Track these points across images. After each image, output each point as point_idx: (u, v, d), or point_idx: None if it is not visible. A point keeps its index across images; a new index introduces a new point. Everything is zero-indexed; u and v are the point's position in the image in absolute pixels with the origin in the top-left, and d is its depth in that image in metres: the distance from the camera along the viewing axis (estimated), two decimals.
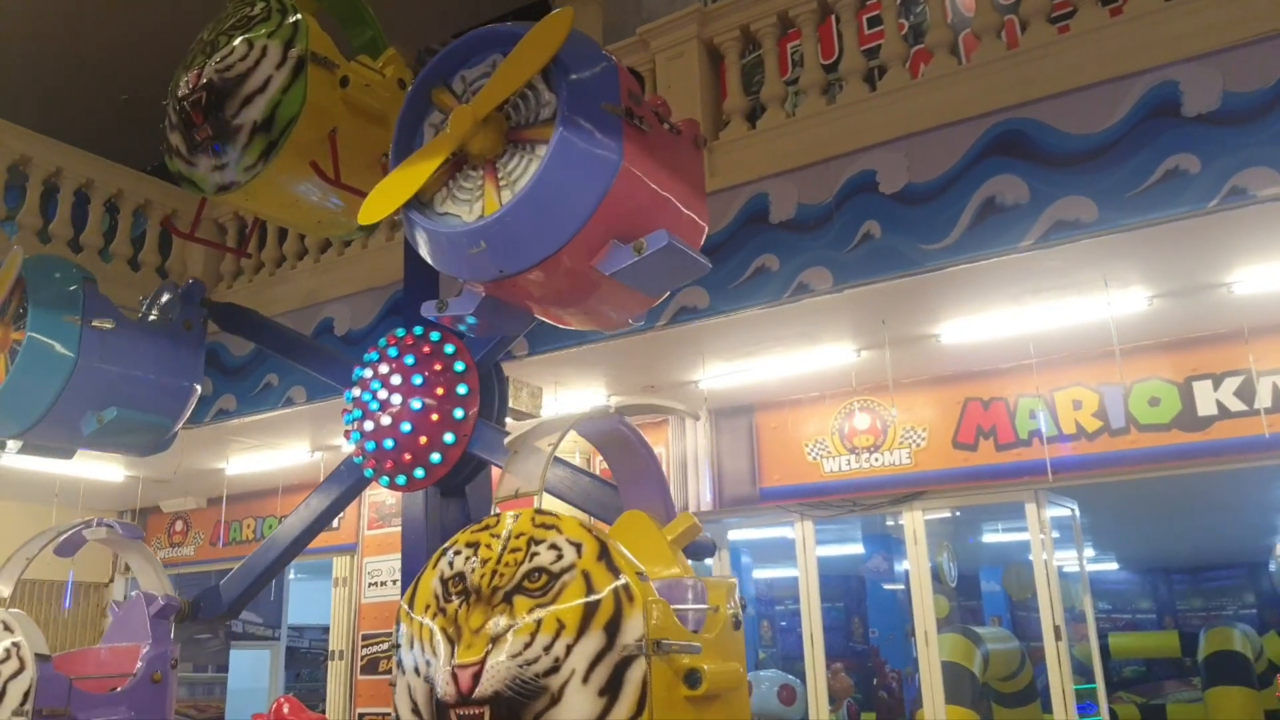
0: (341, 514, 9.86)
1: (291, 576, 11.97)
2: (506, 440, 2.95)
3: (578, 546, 2.32)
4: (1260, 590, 17.91)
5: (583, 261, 2.84)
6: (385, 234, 7.68)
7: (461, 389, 4.32)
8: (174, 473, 9.26)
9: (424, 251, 3.08)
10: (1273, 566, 16.43)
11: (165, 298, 4.61)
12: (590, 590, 2.26)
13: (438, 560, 2.51)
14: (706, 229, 3.14)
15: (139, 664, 4.24)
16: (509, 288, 3.01)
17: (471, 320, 3.18)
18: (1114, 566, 17.16)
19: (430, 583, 2.48)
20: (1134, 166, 4.87)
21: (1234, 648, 10.44)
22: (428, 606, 2.47)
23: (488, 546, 2.41)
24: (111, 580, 11.29)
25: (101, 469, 9.37)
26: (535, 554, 2.34)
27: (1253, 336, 6.16)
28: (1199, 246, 5.22)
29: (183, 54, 4.19)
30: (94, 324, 4.10)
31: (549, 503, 2.76)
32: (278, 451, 9.10)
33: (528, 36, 2.82)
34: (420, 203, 2.98)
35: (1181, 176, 4.77)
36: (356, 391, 4.50)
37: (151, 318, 4.55)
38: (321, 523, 4.71)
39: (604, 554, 2.29)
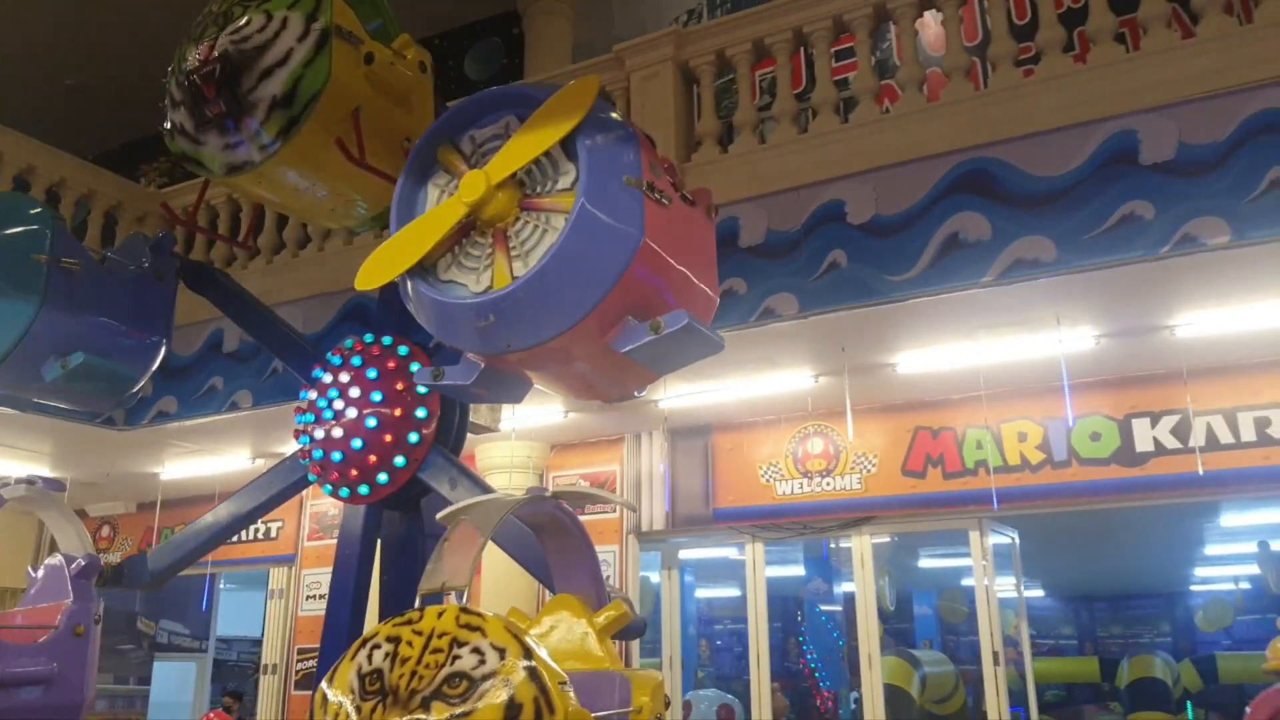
0: (281, 524, 9.69)
1: (222, 587, 11.65)
2: (439, 515, 2.78)
3: (501, 652, 2.24)
4: (1175, 620, 18.54)
5: (595, 338, 2.75)
6: (343, 238, 7.59)
7: (420, 412, 4.27)
8: (106, 475, 8.97)
9: (423, 319, 2.95)
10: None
11: (134, 246, 4.42)
12: (511, 700, 2.19)
13: (356, 651, 2.40)
14: (717, 302, 3.09)
15: (60, 617, 4.19)
16: (512, 359, 2.90)
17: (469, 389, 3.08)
18: (1039, 593, 17.59)
19: (348, 675, 2.36)
20: (1092, 210, 5.05)
21: (1155, 674, 10.82)
22: (341, 705, 2.33)
23: (409, 644, 2.31)
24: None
25: (27, 469, 9.05)
26: (457, 657, 2.24)
27: (1191, 378, 6.42)
28: (1147, 290, 5.43)
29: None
30: (62, 263, 3.87)
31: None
32: (217, 457, 8.89)
33: (550, 102, 2.73)
34: (422, 267, 2.84)
35: (1137, 222, 4.96)
36: (313, 394, 4.43)
37: (124, 265, 4.25)
38: (259, 512, 4.59)
39: (528, 662, 2.24)
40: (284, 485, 4.64)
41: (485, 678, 2.20)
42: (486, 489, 4.05)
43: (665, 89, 6.42)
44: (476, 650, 2.23)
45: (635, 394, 3.21)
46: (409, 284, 2.86)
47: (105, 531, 10.77)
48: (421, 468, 4.20)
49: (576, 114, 2.67)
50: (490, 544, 2.98)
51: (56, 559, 4.38)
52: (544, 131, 2.70)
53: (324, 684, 2.34)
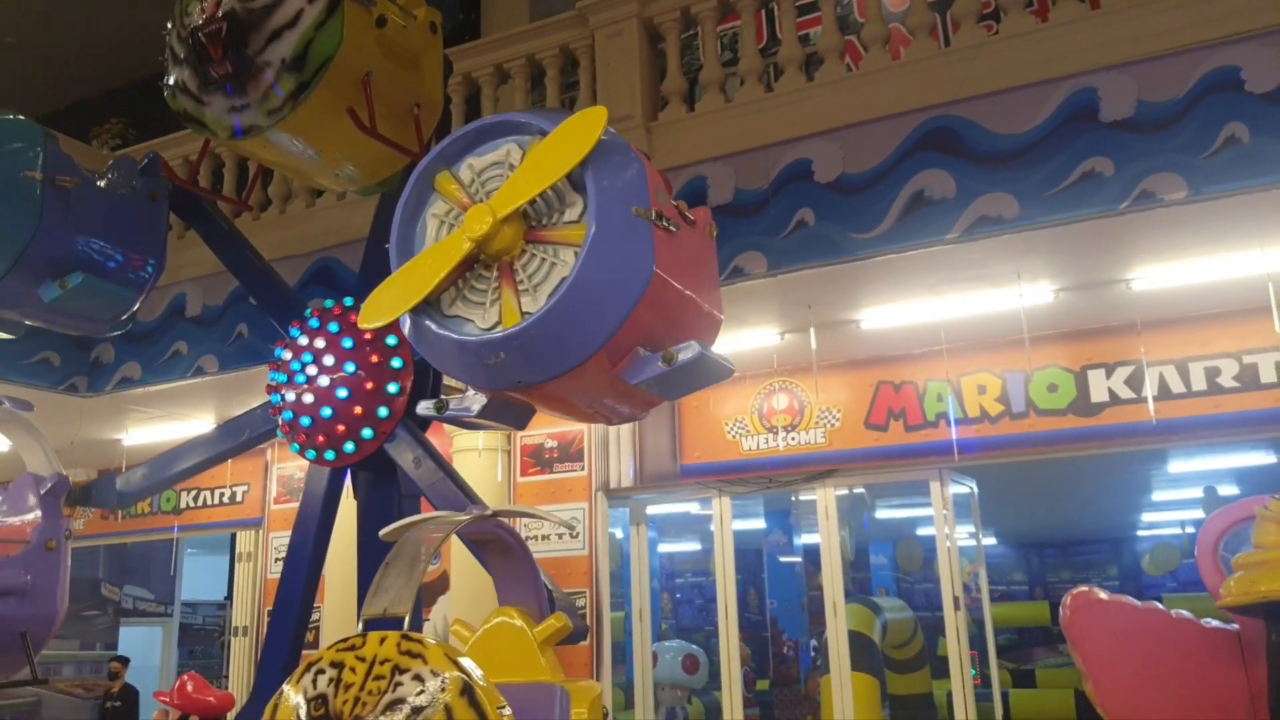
0: (247, 488, 9.64)
1: (187, 551, 11.60)
2: (383, 532, 2.81)
3: (442, 679, 2.29)
4: (1123, 564, 19.16)
5: (605, 369, 2.73)
6: (305, 200, 7.50)
7: (392, 387, 4.28)
8: (69, 443, 8.85)
9: (429, 355, 2.89)
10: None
11: (124, 168, 4.29)
12: None
13: (301, 675, 2.44)
14: (722, 321, 3.10)
15: (32, 533, 4.24)
16: (520, 391, 2.86)
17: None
18: (992, 541, 18.07)
19: (293, 701, 2.40)
20: (1054, 167, 5.16)
21: None
22: None
23: (352, 670, 2.37)
24: None
25: None
26: (399, 684, 2.30)
27: (1145, 330, 6.61)
28: (1106, 244, 5.57)
29: None
30: (57, 181, 3.81)
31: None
32: (181, 423, 8.80)
33: (557, 134, 2.65)
34: (426, 302, 2.78)
35: (1096, 179, 5.08)
36: (288, 355, 4.42)
37: (117, 185, 4.19)
38: (227, 455, 4.72)
39: (467, 689, 2.29)
40: (254, 434, 4.67)
41: (425, 706, 2.27)
42: (450, 473, 4.10)
43: (630, 47, 6.39)
44: (418, 677, 2.29)
45: (640, 417, 3.22)
46: (414, 320, 2.80)
47: None
48: (389, 440, 4.24)
49: (584, 147, 2.60)
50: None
51: (25, 478, 4.41)
52: (551, 164, 2.62)
53: (269, 710, 2.41)
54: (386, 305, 2.80)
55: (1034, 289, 6.14)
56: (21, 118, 4.00)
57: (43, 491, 4.42)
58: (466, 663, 2.31)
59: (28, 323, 4.19)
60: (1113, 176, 5.04)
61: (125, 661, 10.03)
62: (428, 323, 2.77)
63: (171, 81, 3.81)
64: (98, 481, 4.60)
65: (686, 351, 2.71)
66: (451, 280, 2.76)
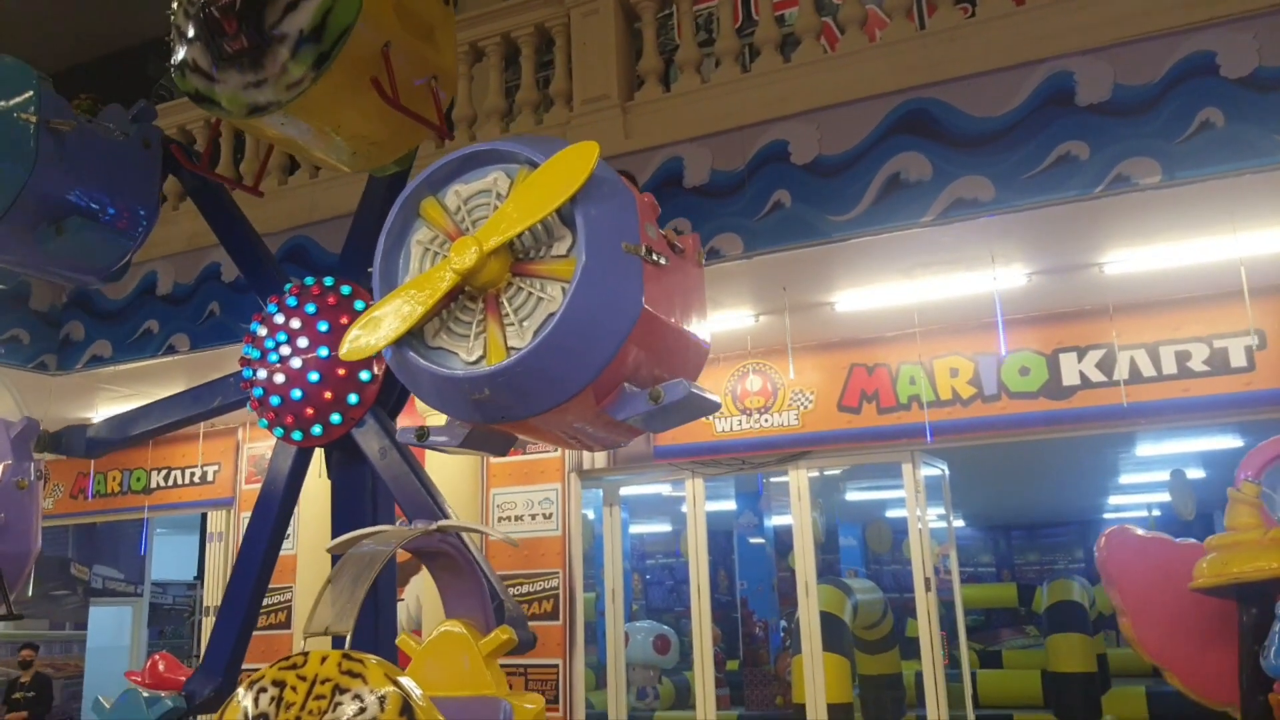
0: (218, 468, 9.53)
1: (157, 531, 11.48)
2: (328, 546, 2.85)
3: (381, 700, 2.32)
4: (1089, 546, 19.41)
5: (591, 405, 2.71)
6: (278, 178, 7.41)
7: (365, 375, 4.23)
8: (39, 422, 8.73)
9: (413, 387, 2.86)
10: None
11: (115, 115, 4.22)
12: None
13: (244, 692, 2.47)
14: (709, 349, 3.07)
15: (3, 473, 4.32)
16: (503, 423, 2.85)
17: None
18: (960, 524, 18.27)
19: (235, 718, 2.41)
20: (1030, 150, 5.18)
21: (1073, 598, 11.34)
22: None
23: (293, 689, 2.39)
24: None
25: None
26: (339, 703, 2.33)
27: (1116, 313, 6.67)
28: (1080, 228, 5.60)
29: None
30: (52, 124, 3.71)
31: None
32: (152, 401, 8.69)
33: (547, 168, 2.60)
34: (410, 332, 2.74)
35: (1072, 162, 5.10)
36: (263, 331, 4.37)
37: (111, 131, 4.10)
38: (197, 419, 4.70)
39: (406, 709, 2.32)
40: (225, 402, 4.64)
41: None
42: (414, 467, 4.07)
43: (606, 25, 6.34)
44: (358, 697, 2.33)
45: (622, 444, 3.25)
46: (396, 351, 2.76)
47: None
48: (357, 426, 4.21)
49: (574, 183, 2.55)
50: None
51: None
52: (540, 199, 2.56)
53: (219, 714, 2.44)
54: (372, 339, 2.76)
55: (1008, 272, 6.17)
56: (14, 60, 3.87)
57: (12, 435, 4.42)
58: (406, 682, 2.33)
59: (18, 271, 4.09)
60: (1088, 160, 5.07)
61: (36, 648, 9.76)
62: (410, 354, 2.73)
63: (180, 60, 3.66)
64: (68, 429, 4.57)
65: (675, 390, 2.68)
66: (436, 311, 2.72)
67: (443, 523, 3.11)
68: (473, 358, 2.70)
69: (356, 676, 2.37)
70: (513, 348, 2.63)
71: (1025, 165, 5.18)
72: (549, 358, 2.57)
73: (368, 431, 4.19)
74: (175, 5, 3.69)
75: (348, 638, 2.65)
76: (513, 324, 2.66)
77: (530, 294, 2.66)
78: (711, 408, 2.91)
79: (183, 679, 7.69)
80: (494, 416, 2.77)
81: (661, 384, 2.69)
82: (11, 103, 3.70)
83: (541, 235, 2.68)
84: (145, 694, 4.08)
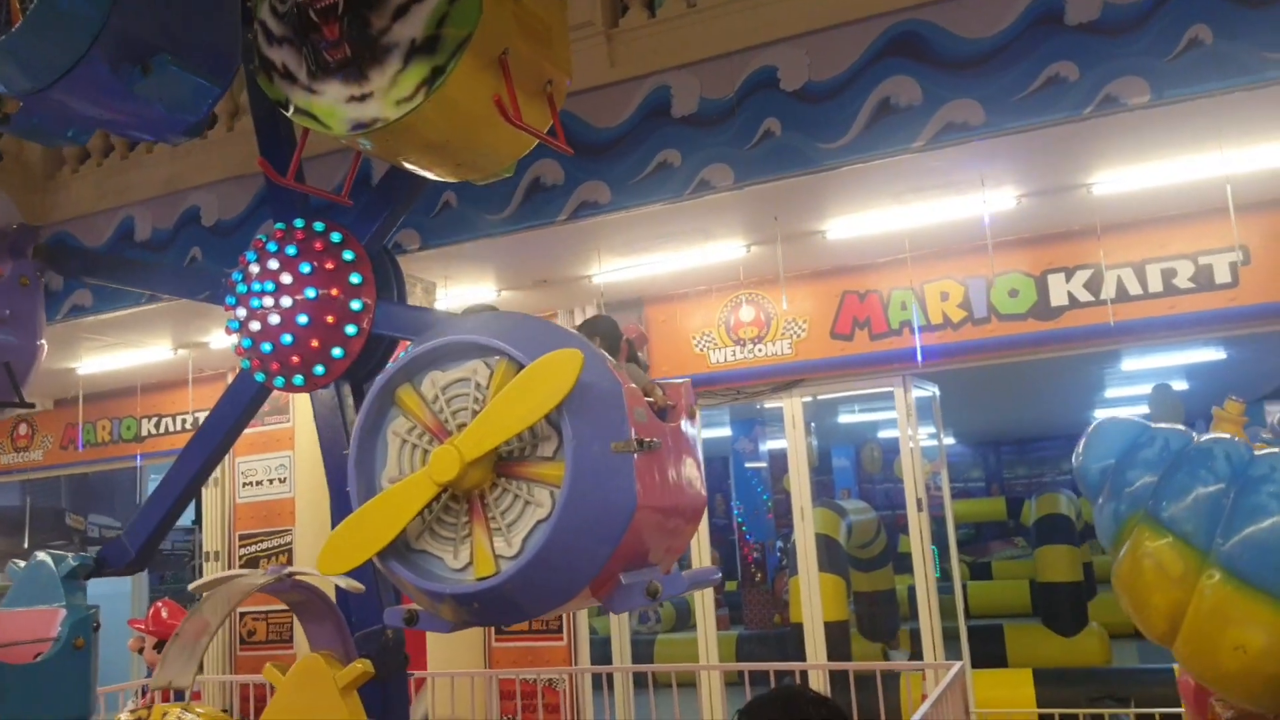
0: (208, 414, 9.55)
1: (150, 478, 11.53)
2: (190, 586, 2.91)
3: None
4: None
5: (587, 598, 2.66)
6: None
7: (355, 278, 4.19)
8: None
9: (399, 586, 2.76)
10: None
11: None
12: None
13: None
14: (706, 500, 3.02)
15: (4, 271, 4.40)
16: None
17: None
18: (950, 441, 18.56)
19: None
20: (1019, 72, 5.14)
21: (1060, 511, 11.60)
22: None
23: None
24: None
25: None
26: None
27: (1104, 233, 6.68)
28: (1068, 149, 5.58)
29: None
30: None
31: None
32: (136, 350, 8.65)
33: (529, 374, 2.47)
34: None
35: (1061, 83, 5.06)
36: (240, 292, 4.32)
37: None
38: (225, 447, 4.57)
39: None
40: (241, 408, 4.56)
41: None
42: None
43: None
44: None
45: None
46: (381, 560, 2.67)
47: (23, 430, 10.48)
48: (375, 324, 4.15)
49: (559, 392, 2.44)
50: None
51: None
52: (523, 408, 2.46)
53: None
54: (348, 551, 2.64)
55: (997, 195, 6.16)
56: None
57: (9, 240, 4.47)
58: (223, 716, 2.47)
59: (101, 123, 3.78)
60: (1077, 81, 5.03)
61: None
62: (398, 565, 2.63)
63: (267, 64, 3.34)
64: (108, 547, 4.56)
65: (673, 586, 2.65)
66: (418, 512, 2.62)
67: (292, 569, 3.19)
68: (459, 564, 2.61)
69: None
70: (500, 556, 2.54)
71: (1015, 87, 5.14)
72: (540, 571, 2.49)
73: (392, 318, 4.12)
74: None
75: (188, 691, 2.81)
76: (499, 529, 2.57)
77: (517, 497, 2.57)
78: (711, 584, 2.95)
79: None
80: (485, 624, 2.78)
81: (660, 579, 2.62)
82: None
83: (526, 436, 2.58)
84: (54, 555, 4.19)
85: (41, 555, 4.27)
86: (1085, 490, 2.95)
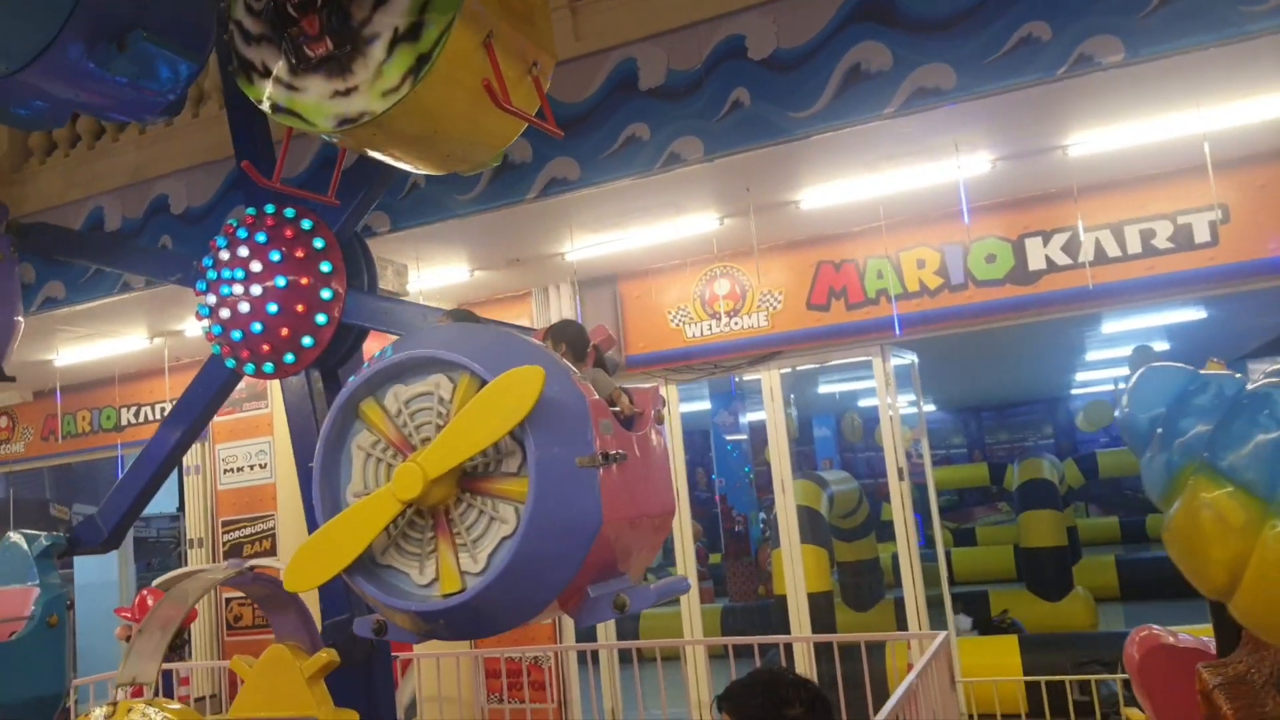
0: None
1: None
2: (155, 582, 3.04)
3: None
4: (1058, 423, 19.92)
5: (554, 611, 2.69)
6: (219, 101, 7.13)
7: (325, 266, 4.16)
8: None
9: (363, 597, 2.77)
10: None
11: None
12: None
13: None
14: (675, 508, 3.00)
15: None
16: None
17: None
18: (931, 408, 18.62)
19: None
20: (991, 34, 5.07)
21: (1044, 475, 11.64)
22: None
23: None
24: None
25: None
26: None
27: (1081, 195, 6.65)
28: (1043, 111, 5.52)
29: None
30: None
31: None
32: (113, 340, 8.56)
33: (491, 390, 2.46)
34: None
35: (1034, 44, 5.00)
36: (210, 278, 4.26)
37: None
38: (196, 430, 4.58)
39: None
40: (212, 393, 4.57)
41: None
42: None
43: None
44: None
45: None
46: (347, 576, 2.67)
47: (3, 422, 10.38)
48: (345, 314, 4.14)
49: (520, 409, 2.43)
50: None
51: None
52: (486, 426, 2.45)
53: None
54: (314, 568, 2.64)
55: (971, 160, 6.11)
56: None
57: None
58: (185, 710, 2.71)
59: (76, 105, 3.71)
60: (1050, 41, 4.97)
61: None
62: (364, 582, 2.63)
63: (246, 65, 3.26)
64: (80, 525, 4.59)
65: (640, 600, 2.65)
66: (383, 529, 2.62)
67: (254, 562, 3.31)
68: (425, 580, 2.61)
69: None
70: (466, 572, 2.55)
71: (986, 50, 5.07)
72: (506, 588, 2.49)
73: (361, 308, 4.12)
74: None
75: (155, 685, 2.90)
76: (465, 545, 2.57)
77: (482, 513, 2.57)
78: (682, 592, 3.00)
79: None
80: (453, 638, 2.81)
81: (627, 590, 2.64)
82: None
83: (491, 452, 2.58)
84: (27, 535, 4.24)
85: (14, 535, 4.26)
86: (1132, 442, 2.88)
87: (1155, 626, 2.90)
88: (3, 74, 3.27)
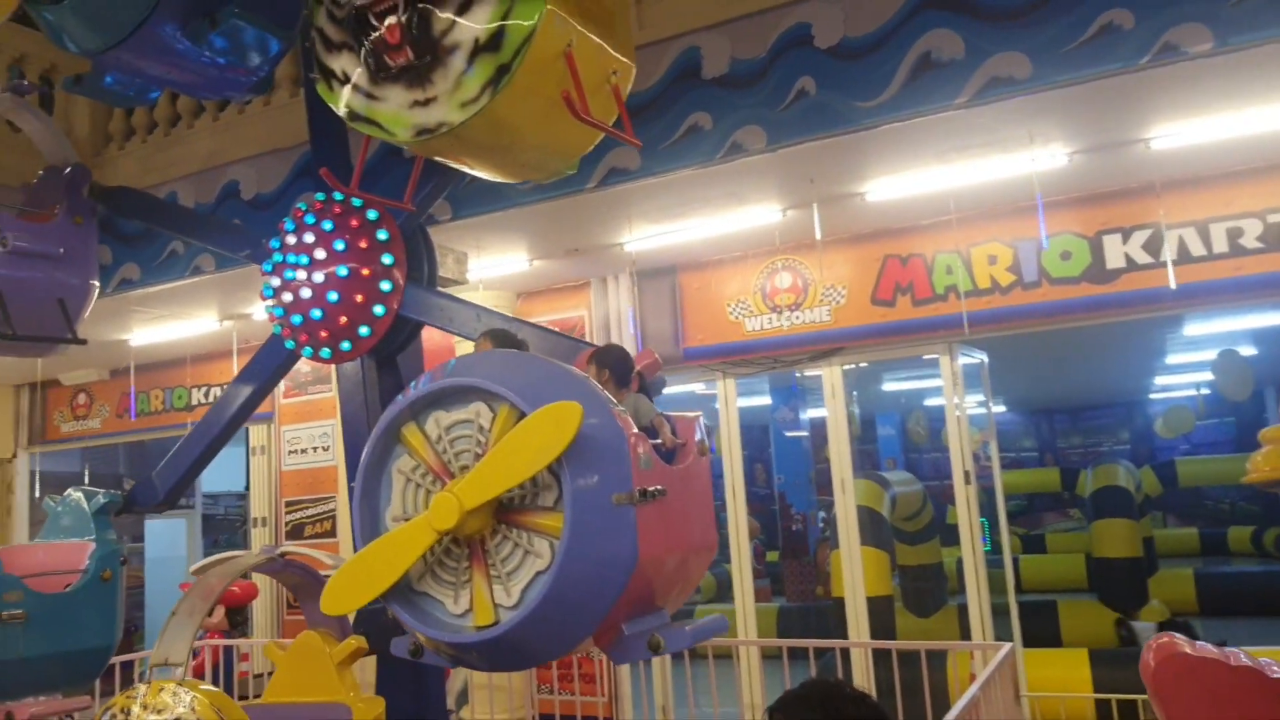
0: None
1: None
2: (191, 568, 3.06)
3: (192, 699, 2.67)
4: (1134, 428, 19.25)
5: (588, 646, 2.69)
6: (289, 90, 7.22)
7: (387, 258, 4.18)
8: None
9: (403, 625, 2.80)
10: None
11: None
12: None
13: (103, 713, 2.76)
14: (717, 543, 2.96)
15: (58, 211, 4.53)
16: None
17: None
18: (1001, 409, 18.18)
19: None
20: (1069, 21, 4.86)
21: (1118, 483, 11.21)
22: None
23: (125, 711, 2.73)
24: (14, 456, 10.90)
25: None
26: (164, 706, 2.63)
27: (1164, 190, 6.36)
28: (1124, 102, 5.29)
29: None
30: None
31: None
32: (185, 321, 8.76)
33: (529, 424, 2.46)
34: None
35: (1115, 32, 4.78)
36: (276, 261, 4.31)
37: None
38: (253, 404, 4.65)
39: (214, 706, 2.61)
40: (270, 370, 4.66)
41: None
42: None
43: None
44: (175, 694, 2.69)
45: None
46: (384, 602, 2.70)
47: (82, 399, 10.71)
48: (403, 306, 4.16)
49: (557, 445, 2.42)
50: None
51: (48, 170, 4.65)
52: (522, 458, 2.45)
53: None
54: (351, 593, 2.67)
55: (1047, 153, 5.88)
56: None
57: (65, 180, 4.56)
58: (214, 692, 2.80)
59: (169, 82, 3.77)
60: (1132, 29, 4.75)
61: None
62: (400, 608, 2.66)
63: (326, 72, 3.26)
64: (138, 485, 4.76)
65: (675, 641, 2.63)
66: (419, 557, 2.64)
67: (285, 548, 3.35)
68: (459, 610, 2.63)
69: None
70: (499, 605, 2.55)
71: (1064, 38, 4.86)
72: (538, 624, 2.49)
73: (418, 303, 4.16)
74: (315, 2, 3.25)
75: (186, 666, 2.96)
76: (499, 576, 2.57)
77: (517, 546, 2.57)
78: (720, 633, 2.94)
79: (235, 589, 7.89)
80: (485, 669, 2.87)
81: (662, 630, 2.62)
82: None
83: (528, 485, 2.57)
84: (86, 491, 4.40)
85: (74, 492, 4.39)
86: None
87: (1176, 635, 2.71)
88: (99, 50, 3.31)
